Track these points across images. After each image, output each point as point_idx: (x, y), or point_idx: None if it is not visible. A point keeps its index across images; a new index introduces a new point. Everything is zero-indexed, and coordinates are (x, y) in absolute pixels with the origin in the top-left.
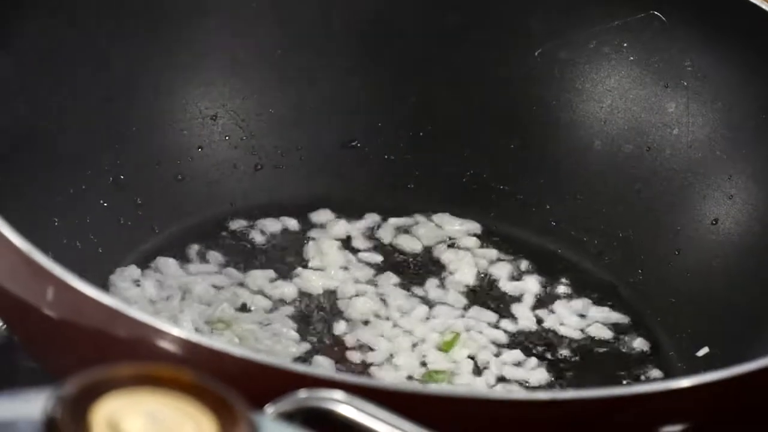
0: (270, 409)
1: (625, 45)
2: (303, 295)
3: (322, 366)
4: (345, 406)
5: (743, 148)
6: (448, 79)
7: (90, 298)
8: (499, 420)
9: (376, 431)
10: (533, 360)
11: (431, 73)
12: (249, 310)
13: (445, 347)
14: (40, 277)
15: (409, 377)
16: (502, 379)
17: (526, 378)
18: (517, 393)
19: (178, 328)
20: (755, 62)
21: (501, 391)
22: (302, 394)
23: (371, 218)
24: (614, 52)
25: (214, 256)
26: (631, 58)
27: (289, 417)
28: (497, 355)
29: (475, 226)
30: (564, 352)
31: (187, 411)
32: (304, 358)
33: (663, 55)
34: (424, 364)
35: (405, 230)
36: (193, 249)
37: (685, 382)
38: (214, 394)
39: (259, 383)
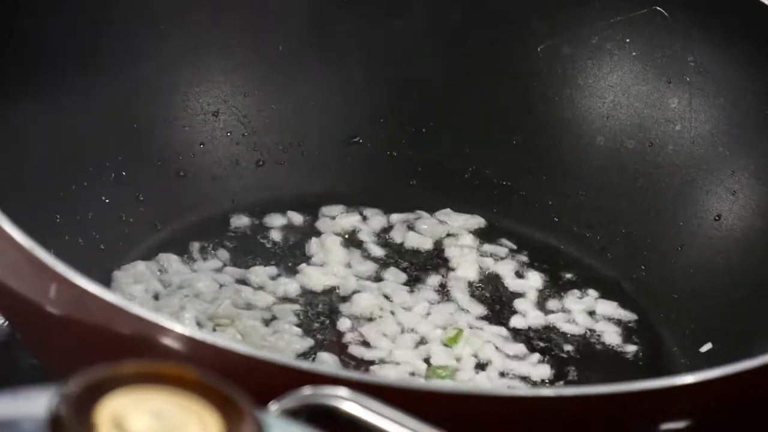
0: (274, 407)
1: (627, 41)
2: (306, 291)
3: (326, 362)
4: (350, 403)
5: (746, 144)
6: (451, 75)
7: (93, 294)
8: (503, 416)
9: (381, 428)
10: (536, 356)
11: (433, 69)
12: (252, 307)
13: (448, 343)
14: (42, 274)
15: (412, 373)
16: (504, 375)
17: (529, 374)
18: (521, 389)
19: (181, 325)
20: (758, 58)
21: (504, 388)
22: (306, 391)
23: (373, 215)
24: (617, 48)
25: (216, 252)
26: (634, 53)
27: (293, 414)
28: (500, 351)
29: (478, 222)
30: (567, 348)
31: (192, 409)
32: (308, 355)
33: (665, 50)
34: (426, 360)
35: (407, 226)
36: (195, 245)
37: (688, 379)
38: (219, 391)
39: (263, 380)
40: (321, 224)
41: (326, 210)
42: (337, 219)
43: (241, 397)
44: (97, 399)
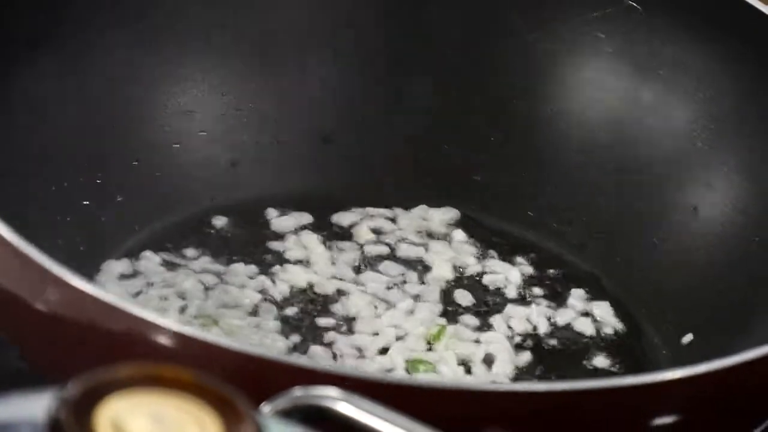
0: (267, 408)
1: (602, 36)
2: (288, 289)
3: (317, 358)
4: (342, 403)
5: (723, 139)
6: (427, 71)
7: (83, 292)
8: (494, 412)
9: (374, 428)
10: (518, 351)
11: (410, 65)
12: (234, 306)
13: (431, 340)
14: (31, 272)
15: (394, 369)
16: (486, 371)
17: (512, 370)
18: (513, 384)
19: (173, 322)
20: (734, 52)
21: (493, 383)
22: (299, 392)
23: (351, 212)
24: (592, 43)
25: (196, 252)
26: (609, 49)
27: (286, 415)
28: (482, 346)
29: (455, 218)
30: (550, 343)
31: (191, 411)
32: (292, 353)
33: (641, 46)
34: (410, 356)
35: (385, 223)
36: (175, 245)
37: (678, 374)
38: (217, 393)
39: (256, 377)
40: (301, 222)
41: (307, 207)
42: (317, 217)
43: (239, 398)
44: (96, 402)
